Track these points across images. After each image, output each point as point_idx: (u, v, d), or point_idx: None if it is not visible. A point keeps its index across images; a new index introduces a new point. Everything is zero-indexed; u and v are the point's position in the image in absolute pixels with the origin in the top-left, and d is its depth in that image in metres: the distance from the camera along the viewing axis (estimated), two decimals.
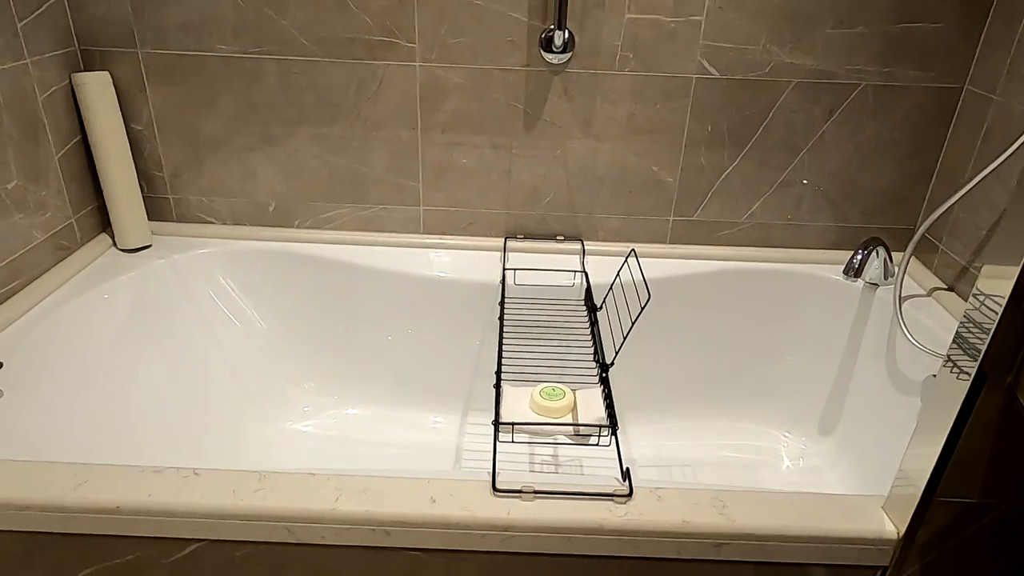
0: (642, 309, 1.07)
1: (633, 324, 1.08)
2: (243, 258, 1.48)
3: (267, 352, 1.51)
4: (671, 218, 1.50)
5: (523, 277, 1.44)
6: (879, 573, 0.88)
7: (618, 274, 1.28)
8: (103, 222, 1.47)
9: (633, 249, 1.27)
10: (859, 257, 1.37)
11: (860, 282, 1.44)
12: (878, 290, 1.42)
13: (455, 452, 1.49)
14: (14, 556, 0.88)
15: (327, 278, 1.49)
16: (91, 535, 0.86)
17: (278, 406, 1.51)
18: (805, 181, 1.47)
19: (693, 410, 1.56)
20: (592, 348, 1.25)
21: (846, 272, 1.38)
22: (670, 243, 1.52)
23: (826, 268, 1.49)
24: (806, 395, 1.52)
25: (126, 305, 1.32)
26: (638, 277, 1.37)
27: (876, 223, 1.51)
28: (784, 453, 1.52)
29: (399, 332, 1.52)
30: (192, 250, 1.45)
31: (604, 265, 1.46)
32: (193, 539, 0.86)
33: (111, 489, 0.85)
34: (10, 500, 0.83)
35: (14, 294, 1.22)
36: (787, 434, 1.54)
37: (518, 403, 1.09)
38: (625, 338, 1.10)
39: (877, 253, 1.37)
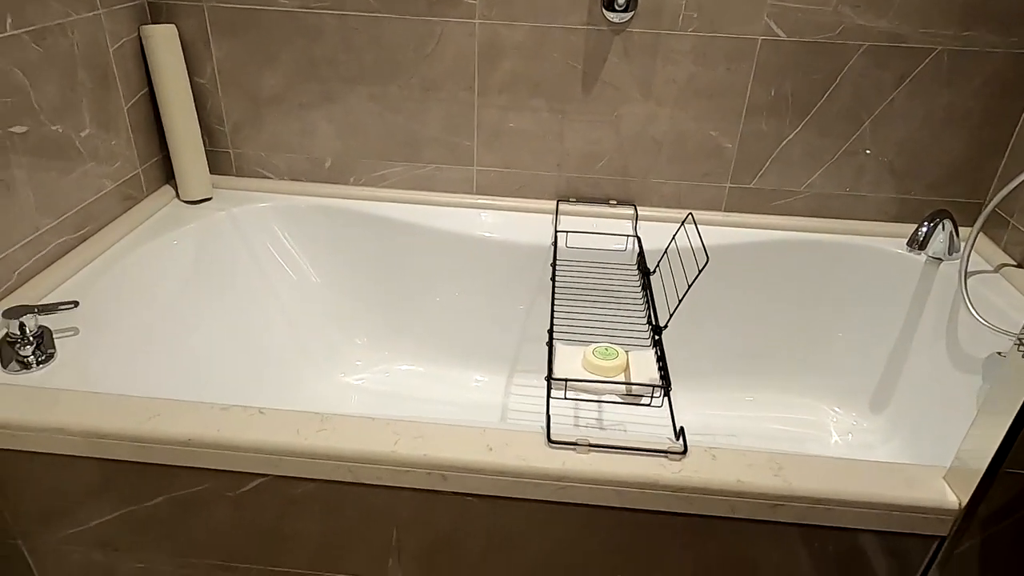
0: (700, 271, 1.06)
1: (690, 286, 1.07)
2: (300, 213, 1.51)
3: (321, 306, 1.54)
4: (727, 185, 1.47)
5: (575, 240, 1.44)
6: (936, 543, 0.87)
7: (674, 238, 1.27)
8: (167, 174, 1.51)
9: (691, 214, 1.25)
10: (924, 229, 1.32)
11: (923, 256, 1.40)
12: (941, 265, 1.38)
13: (501, 411, 1.51)
14: (95, 482, 0.93)
15: (380, 236, 1.51)
16: (163, 465, 0.90)
17: (331, 360, 1.55)
18: (868, 151, 1.43)
19: (741, 381, 1.55)
20: (645, 311, 1.25)
21: (910, 244, 1.34)
22: (725, 211, 1.50)
23: (886, 241, 1.45)
24: (859, 370, 1.49)
25: (189, 254, 1.36)
26: (695, 242, 1.35)
27: (942, 196, 1.46)
28: (833, 428, 1.50)
29: (449, 291, 1.54)
30: (251, 204, 1.48)
31: (657, 231, 1.45)
32: (257, 474, 0.90)
33: (182, 423, 0.88)
34: (89, 428, 0.88)
35: (85, 240, 1.26)
36: (837, 409, 1.52)
37: (571, 361, 1.09)
38: (680, 301, 1.09)
39: (943, 226, 1.33)
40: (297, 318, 1.51)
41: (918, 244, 1.33)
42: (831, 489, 0.84)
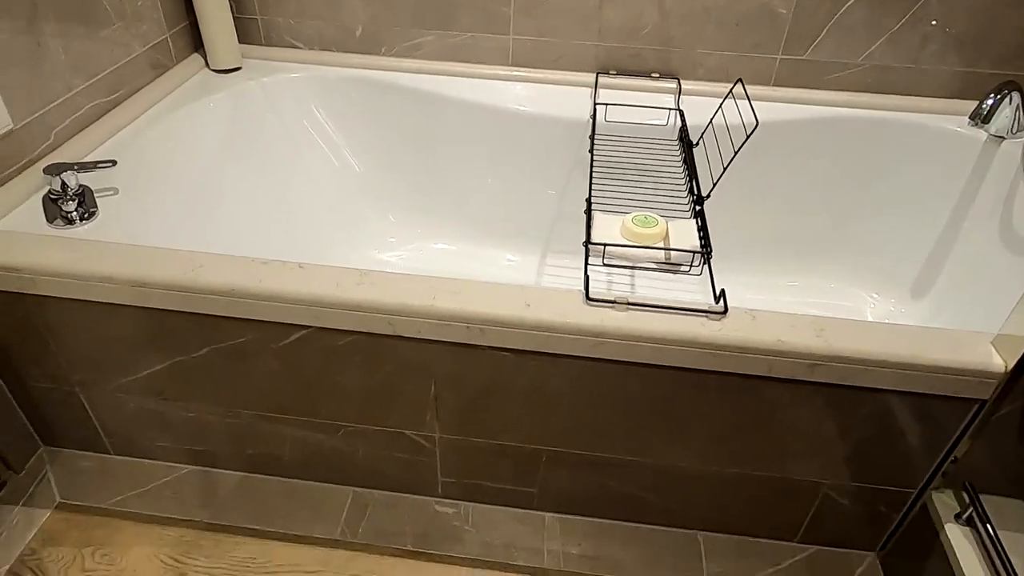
0: (748, 136, 1.01)
1: (736, 152, 1.02)
2: (331, 85, 1.46)
3: (353, 181, 1.53)
4: (779, 56, 1.39)
5: (614, 114, 1.38)
6: (976, 407, 0.87)
7: (721, 106, 1.21)
8: (195, 42, 1.47)
9: (740, 80, 1.19)
10: (990, 101, 1.24)
11: (984, 133, 1.32)
12: (1003, 143, 1.30)
13: None
14: (144, 333, 0.95)
15: (413, 109, 1.46)
16: (208, 315, 0.92)
17: (364, 235, 1.55)
18: (935, 21, 1.32)
19: (778, 264, 1.52)
20: (686, 182, 1.21)
21: (972, 118, 1.26)
22: (775, 85, 1.42)
23: (946, 118, 1.36)
24: (902, 254, 1.45)
25: (222, 122, 1.34)
26: (743, 112, 1.29)
27: (1011, 71, 1.36)
28: (869, 314, 1.48)
29: (483, 167, 1.51)
30: (281, 74, 1.44)
31: (700, 105, 1.38)
32: (299, 325, 0.91)
33: (224, 274, 0.89)
34: (135, 278, 0.89)
35: (118, 104, 1.25)
36: (875, 295, 1.49)
37: (609, 229, 1.07)
38: (725, 168, 1.05)
39: (1011, 99, 1.24)
40: (328, 191, 1.50)
41: (981, 118, 1.25)
42: (873, 350, 0.83)
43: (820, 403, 0.89)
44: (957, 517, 0.94)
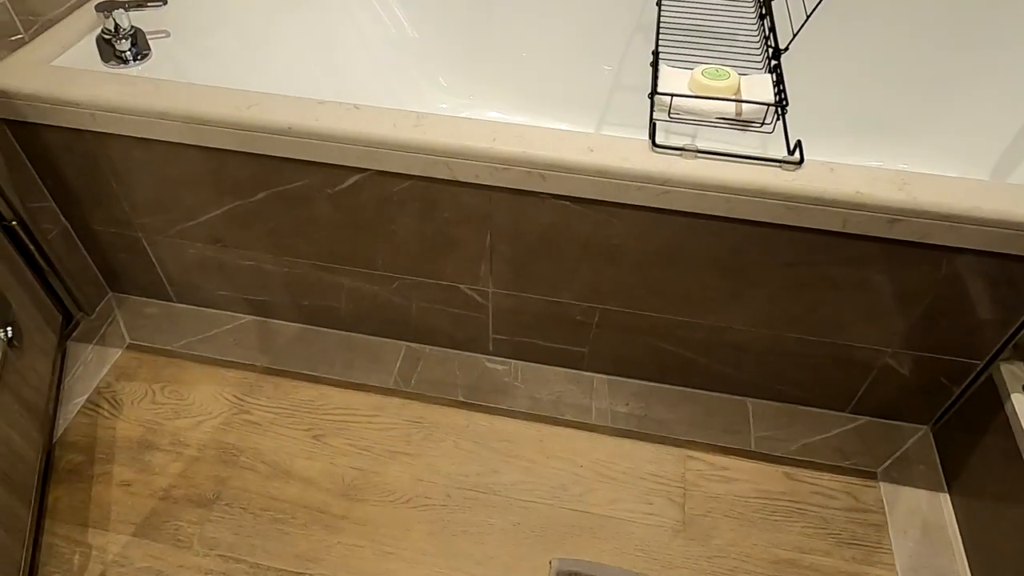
0: None
1: (820, 1, 0.94)
2: None
3: (405, 41, 1.47)
4: None
5: None
6: None
7: None
8: None
9: None
10: None
11: None
12: None
13: None
14: (205, 173, 0.95)
15: None
16: (264, 156, 0.91)
17: (413, 98, 1.50)
18: None
19: (851, 141, 1.43)
20: (761, 38, 1.12)
21: None
22: None
23: None
24: (991, 129, 1.34)
25: None
26: None
27: None
28: None
29: (539, 31, 1.42)
30: None
31: None
32: (355, 168, 0.90)
33: (280, 112, 0.87)
34: (191, 114, 0.88)
35: None
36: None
37: (676, 82, 1.01)
38: (809, 16, 0.97)
39: None
40: (379, 52, 1.44)
41: None
42: (959, 205, 0.77)
43: (894, 263, 0.85)
44: None
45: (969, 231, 0.79)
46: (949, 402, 1.02)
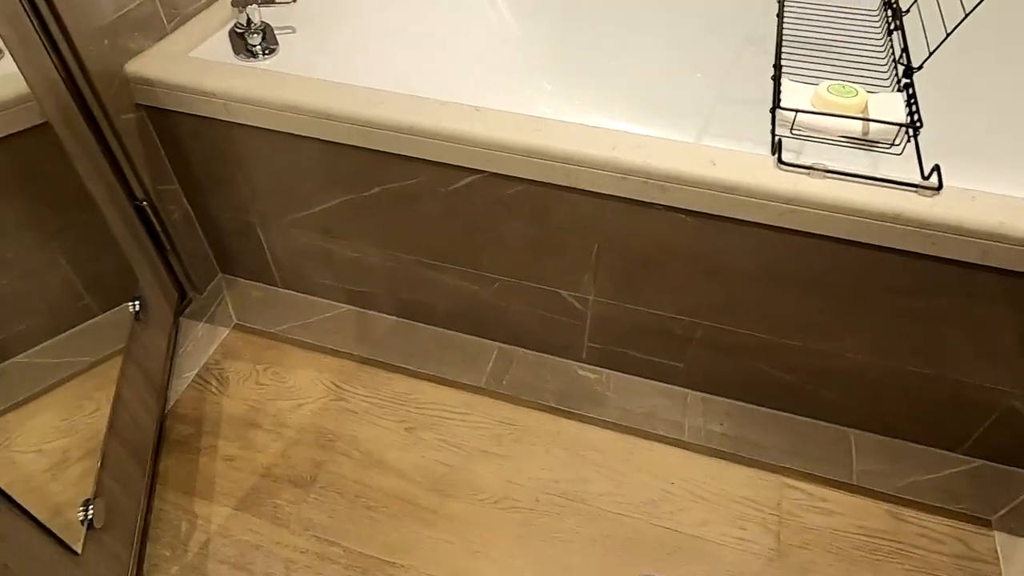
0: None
1: (968, 14, 0.89)
2: None
3: (511, 43, 1.48)
4: None
5: None
6: None
7: None
8: None
9: None
10: None
11: None
12: None
13: None
14: (323, 166, 0.99)
15: None
16: (384, 152, 0.93)
17: (517, 102, 1.50)
18: None
19: (982, 173, 1.34)
20: (889, 54, 1.07)
21: None
22: None
23: None
24: None
25: None
26: None
27: None
28: None
29: (649, 36, 1.41)
30: None
31: None
32: (471, 169, 0.91)
33: (404, 111, 0.89)
34: (318, 108, 0.91)
35: None
36: None
37: (799, 98, 0.98)
38: (949, 34, 0.92)
39: None
40: (487, 53, 1.45)
41: None
42: None
43: None
44: None
45: None
46: None
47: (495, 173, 0.90)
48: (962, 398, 0.95)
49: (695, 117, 1.48)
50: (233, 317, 1.21)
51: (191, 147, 1.05)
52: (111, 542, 0.83)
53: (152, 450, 0.99)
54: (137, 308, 0.98)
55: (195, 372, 1.13)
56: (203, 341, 1.17)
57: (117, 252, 1.00)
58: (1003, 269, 0.78)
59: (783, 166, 0.81)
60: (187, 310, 1.23)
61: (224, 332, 1.19)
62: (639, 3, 1.38)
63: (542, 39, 1.48)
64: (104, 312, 1.00)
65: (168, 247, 1.11)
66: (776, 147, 0.84)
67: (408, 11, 1.34)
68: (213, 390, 1.10)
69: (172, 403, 1.09)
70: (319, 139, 0.95)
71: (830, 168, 0.80)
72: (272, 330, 1.19)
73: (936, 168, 0.79)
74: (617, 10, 1.40)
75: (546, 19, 1.45)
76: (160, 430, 1.04)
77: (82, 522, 0.77)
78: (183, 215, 1.15)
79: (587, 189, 0.87)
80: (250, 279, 1.27)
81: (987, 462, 1.02)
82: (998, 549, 0.92)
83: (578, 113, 1.53)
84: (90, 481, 0.84)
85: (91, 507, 0.77)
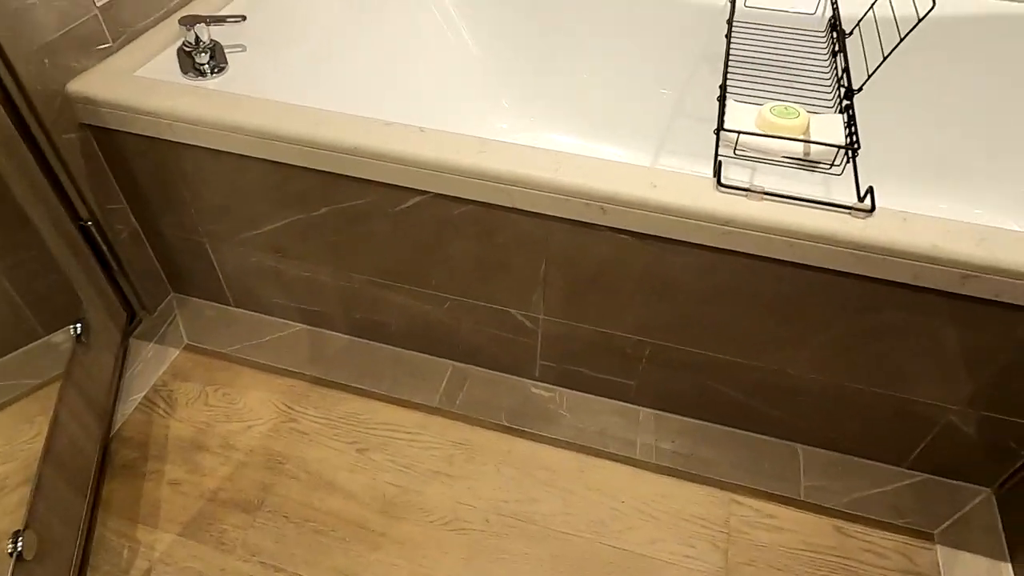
0: (920, 20, 0.89)
1: (902, 40, 0.91)
2: None
3: (469, 61, 1.49)
4: None
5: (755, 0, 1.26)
6: None
7: None
8: None
9: None
10: None
11: None
12: None
13: None
14: (271, 185, 0.98)
15: None
16: (330, 173, 0.93)
17: (476, 119, 1.52)
18: None
19: (920, 186, 1.38)
20: (832, 76, 1.10)
21: None
22: None
23: None
24: None
25: None
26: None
27: None
28: None
29: (602, 54, 1.43)
30: None
31: None
32: (417, 190, 0.91)
33: (348, 132, 0.89)
34: (264, 129, 0.91)
35: None
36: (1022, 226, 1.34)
37: (743, 119, 0.99)
38: (885, 58, 0.94)
39: None
40: (443, 70, 1.46)
41: None
42: None
43: (964, 320, 0.82)
44: None
45: None
46: (1016, 466, 0.97)
47: (440, 194, 0.90)
48: (904, 413, 0.96)
49: (651, 134, 1.50)
50: (184, 337, 1.19)
51: (138, 166, 1.04)
52: (44, 574, 0.81)
53: (94, 476, 0.97)
54: (79, 331, 0.97)
55: (143, 394, 1.11)
56: (152, 362, 1.15)
57: (60, 273, 0.98)
58: (934, 289, 0.79)
59: (722, 188, 0.82)
60: (137, 330, 1.21)
61: (174, 352, 1.17)
62: (596, 23, 1.40)
63: (500, 58, 1.49)
64: (49, 333, 0.98)
65: (115, 267, 1.09)
66: (717, 169, 0.85)
67: (366, 30, 1.34)
68: (161, 412, 1.09)
69: (118, 426, 1.07)
70: (265, 159, 0.95)
71: (767, 190, 0.81)
72: (224, 350, 1.18)
73: (870, 190, 0.81)
74: (573, 30, 1.42)
75: (504, 39, 1.47)
76: (104, 454, 1.02)
77: (11, 554, 0.75)
78: (131, 234, 1.13)
79: (531, 210, 0.87)
80: (202, 298, 1.25)
81: (931, 476, 1.03)
82: (940, 563, 0.93)
83: (535, 129, 1.55)
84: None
85: (20, 539, 0.75)
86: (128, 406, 1.09)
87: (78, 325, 0.97)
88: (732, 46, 1.20)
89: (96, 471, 0.99)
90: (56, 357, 0.96)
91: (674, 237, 0.84)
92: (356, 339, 1.20)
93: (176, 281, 1.24)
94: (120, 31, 1.03)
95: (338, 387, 1.13)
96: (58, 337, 0.98)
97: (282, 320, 1.22)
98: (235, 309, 1.24)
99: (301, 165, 0.93)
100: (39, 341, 0.96)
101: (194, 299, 1.26)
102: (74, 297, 1.01)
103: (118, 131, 0.99)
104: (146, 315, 1.22)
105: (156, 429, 1.06)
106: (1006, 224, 1.36)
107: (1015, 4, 1.20)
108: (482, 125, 1.52)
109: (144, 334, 1.20)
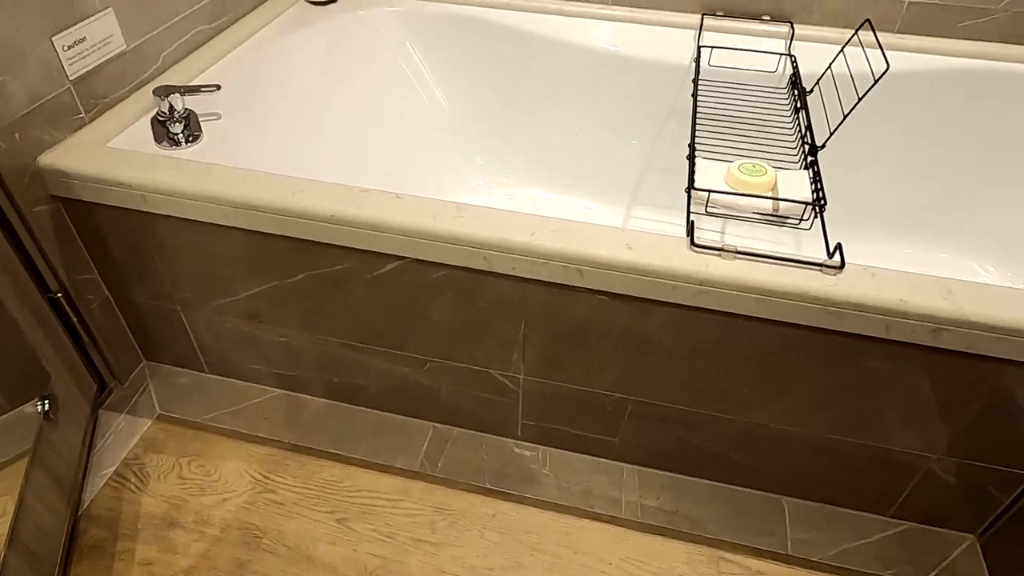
0: (876, 81, 0.93)
1: (860, 99, 0.95)
2: (426, 21, 1.44)
3: (443, 121, 1.51)
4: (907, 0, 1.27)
5: (719, 58, 1.31)
6: None
7: (843, 50, 1.12)
8: None
9: (868, 20, 1.09)
10: None
11: None
12: None
13: None
14: (247, 254, 0.97)
15: (507, 48, 1.42)
16: (307, 241, 0.93)
17: (451, 178, 1.54)
18: None
19: (886, 233, 1.42)
20: (796, 132, 1.13)
21: None
22: (899, 32, 1.30)
23: None
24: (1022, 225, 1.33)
25: (318, 55, 1.34)
26: (868, 56, 1.19)
27: None
28: None
29: (575, 111, 1.46)
30: (378, 7, 1.42)
31: (815, 52, 1.28)
32: (394, 256, 0.91)
33: (324, 200, 0.89)
34: (239, 199, 0.91)
35: (221, 31, 1.26)
36: (991, 268, 1.38)
37: (713, 177, 1.02)
38: (845, 116, 0.98)
39: None
40: (418, 131, 1.49)
41: None
42: (1008, 317, 0.76)
43: (938, 371, 0.83)
44: None
45: (1015, 343, 0.77)
46: (998, 512, 0.98)
47: (418, 259, 0.90)
48: (885, 462, 0.97)
49: (623, 187, 1.53)
50: (156, 407, 1.16)
51: (110, 236, 1.03)
52: None
53: (61, 559, 0.93)
54: (46, 407, 0.94)
55: (113, 468, 1.07)
56: (123, 434, 1.12)
57: (27, 346, 0.96)
58: (907, 343, 0.81)
59: (695, 248, 0.84)
60: (108, 401, 1.18)
61: (146, 423, 1.14)
62: (565, 82, 1.43)
63: (473, 117, 1.52)
64: (15, 407, 0.95)
65: (85, 337, 1.07)
66: (690, 229, 0.86)
67: (340, 94, 1.36)
68: (132, 488, 1.05)
69: (87, 504, 1.03)
70: (241, 228, 0.94)
71: (740, 249, 0.83)
72: (198, 419, 1.15)
73: (838, 246, 0.83)
74: (544, 88, 1.45)
75: (476, 98, 1.50)
76: (72, 535, 0.98)
77: None
78: (102, 303, 1.11)
79: (508, 274, 0.88)
80: (176, 365, 1.23)
81: (915, 524, 1.04)
82: None
83: (510, 185, 1.57)
84: None
85: None
86: (98, 482, 1.05)
87: (45, 401, 0.94)
88: (699, 104, 1.24)
89: (63, 553, 0.94)
90: (24, 431, 0.93)
91: (650, 297, 0.85)
92: (334, 403, 1.18)
93: (148, 349, 1.22)
94: (93, 103, 1.03)
95: (316, 453, 1.10)
96: (24, 413, 0.95)
97: (258, 385, 1.20)
98: (209, 376, 1.22)
99: (278, 233, 0.93)
100: (5, 416, 0.93)
101: (167, 366, 1.23)
102: (41, 371, 0.98)
103: (90, 203, 0.98)
104: (117, 385, 1.19)
105: (127, 506, 1.02)
106: (968, 265, 1.40)
107: (964, 60, 1.26)
108: (458, 183, 1.53)
109: (115, 404, 1.17)
